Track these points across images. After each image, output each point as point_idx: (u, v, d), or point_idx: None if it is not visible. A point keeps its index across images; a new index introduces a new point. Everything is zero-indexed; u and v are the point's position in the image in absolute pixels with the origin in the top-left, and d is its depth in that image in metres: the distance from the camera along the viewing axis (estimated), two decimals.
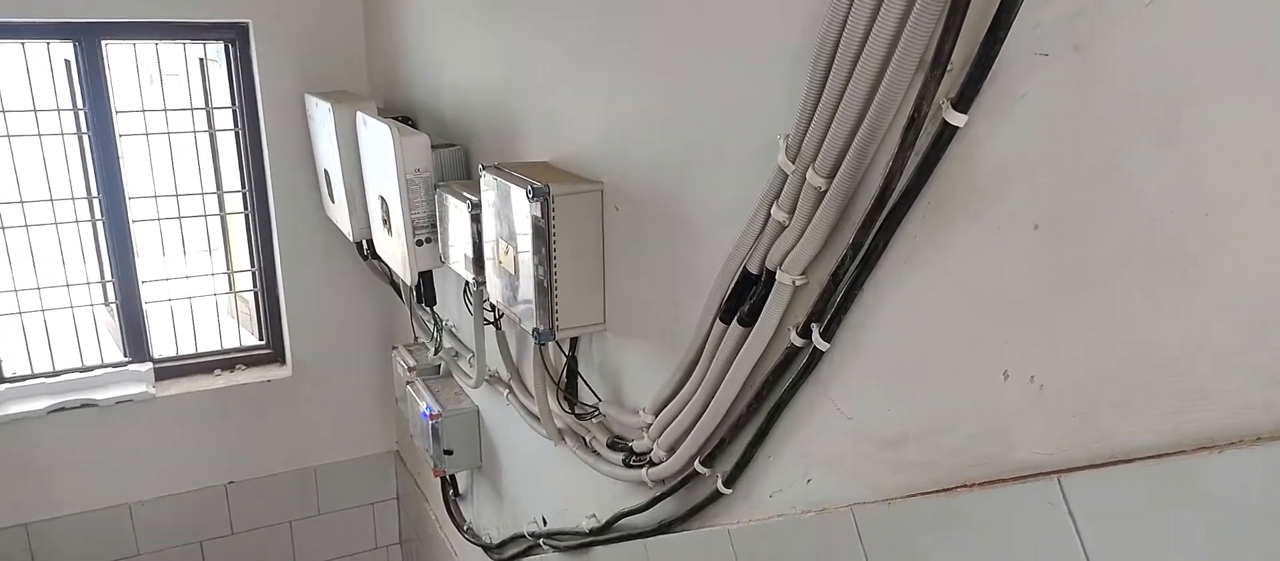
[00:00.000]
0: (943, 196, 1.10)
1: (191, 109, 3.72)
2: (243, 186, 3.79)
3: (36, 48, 3.46)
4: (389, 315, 3.97)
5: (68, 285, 3.65)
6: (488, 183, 2.08)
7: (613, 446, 1.99)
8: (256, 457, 4.00)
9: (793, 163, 1.29)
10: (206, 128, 3.82)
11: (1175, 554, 0.88)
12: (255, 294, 3.95)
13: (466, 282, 2.61)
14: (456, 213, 2.36)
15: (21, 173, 3.47)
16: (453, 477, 3.34)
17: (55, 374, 3.67)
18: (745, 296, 1.46)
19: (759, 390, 1.46)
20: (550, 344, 2.20)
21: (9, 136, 3.43)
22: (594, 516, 2.19)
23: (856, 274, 1.23)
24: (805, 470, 1.42)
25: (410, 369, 3.29)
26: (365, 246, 3.29)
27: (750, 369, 1.47)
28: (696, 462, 1.66)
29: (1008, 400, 1.06)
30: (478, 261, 2.30)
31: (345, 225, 3.18)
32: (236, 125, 3.70)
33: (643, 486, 1.88)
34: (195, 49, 3.80)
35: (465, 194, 2.31)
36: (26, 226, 3.53)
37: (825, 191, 1.24)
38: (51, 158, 3.51)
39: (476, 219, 2.25)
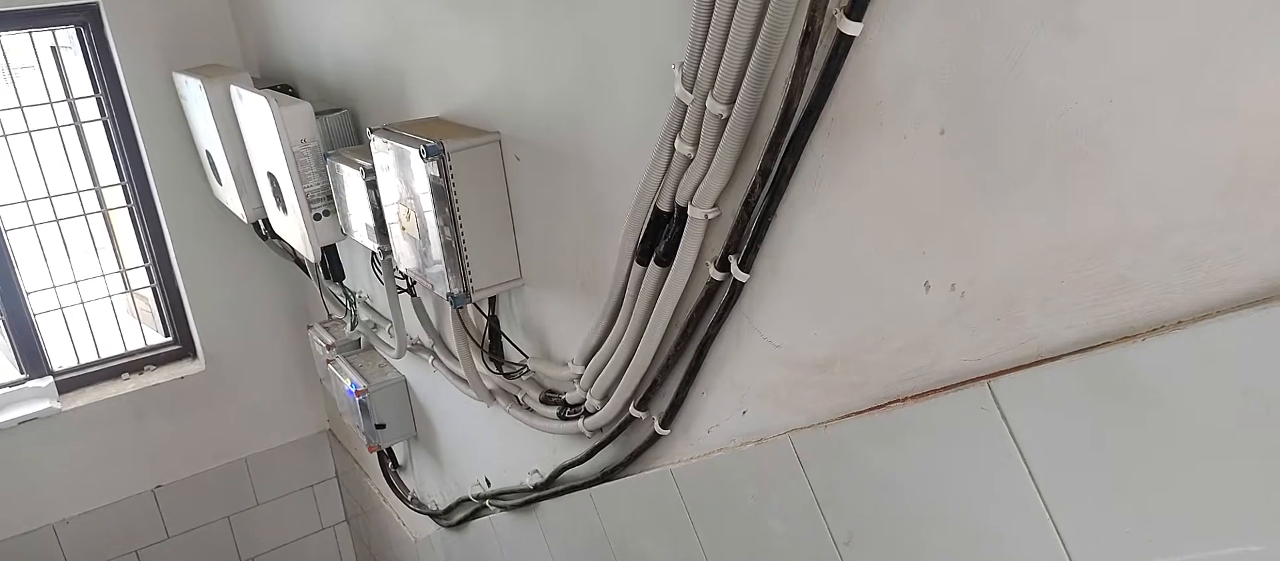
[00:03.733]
0: (846, 110, 1.06)
1: (51, 102, 3.44)
2: (121, 178, 3.55)
3: None
4: (299, 293, 3.82)
5: None
6: (379, 146, 1.96)
7: (546, 401, 1.95)
8: (182, 457, 3.84)
9: (690, 92, 1.23)
10: (72, 120, 3.55)
11: (1108, 443, 0.88)
12: (154, 290, 3.74)
13: (373, 253, 2.49)
14: (351, 181, 2.23)
15: None
16: (389, 450, 3.27)
17: None
18: (660, 235, 1.41)
19: (685, 328, 1.43)
20: (468, 306, 2.12)
21: None
22: (537, 472, 2.16)
23: (768, 200, 1.19)
24: (740, 402, 1.40)
25: (329, 346, 3.17)
26: (262, 226, 3.13)
27: (673, 308, 1.43)
28: (631, 407, 1.63)
29: (930, 311, 1.04)
30: (380, 229, 2.19)
31: (237, 207, 3.01)
32: (103, 114, 3.44)
33: (581, 437, 1.85)
34: (45, 37, 3.50)
35: (358, 160, 2.19)
36: None
37: (727, 119, 1.19)
38: None
39: (372, 185, 2.14)
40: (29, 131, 3.36)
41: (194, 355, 3.84)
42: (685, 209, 1.33)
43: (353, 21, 2.38)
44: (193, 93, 2.95)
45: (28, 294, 3.50)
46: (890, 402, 1.12)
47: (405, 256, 2.06)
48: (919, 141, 0.99)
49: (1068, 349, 0.91)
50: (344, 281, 2.74)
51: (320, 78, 2.71)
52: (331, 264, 2.66)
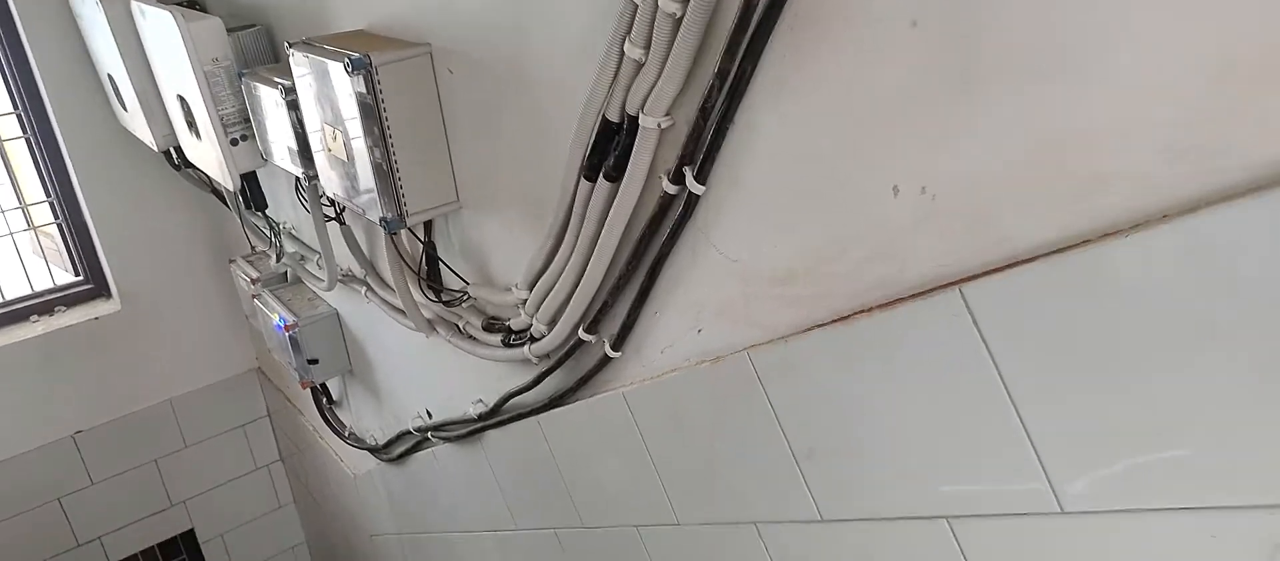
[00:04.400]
0: (811, 3, 1.00)
1: None
2: (15, 106, 3.28)
3: None
4: (220, 226, 3.63)
5: None
6: (299, 62, 1.82)
7: (489, 328, 1.88)
8: (102, 401, 3.66)
9: None
10: None
11: (1085, 345, 0.86)
12: (59, 226, 3.50)
13: (297, 179, 2.35)
14: (270, 102, 2.08)
15: None
16: (324, 386, 3.16)
17: None
18: (609, 148, 1.34)
19: (636, 246, 1.37)
20: (403, 231, 2.02)
21: None
22: (481, 401, 2.10)
23: (726, 106, 1.12)
24: (694, 321, 1.35)
25: (254, 281, 3.02)
26: (174, 155, 2.93)
27: (624, 225, 1.37)
28: (580, 331, 1.57)
29: (899, 216, 1.00)
30: (304, 153, 2.05)
31: (145, 135, 2.80)
32: None
33: (527, 364, 1.79)
34: None
35: (276, 79, 2.04)
36: None
37: (681, 17, 1.11)
38: None
39: (294, 105, 1.99)
40: None
41: (108, 294, 3.63)
42: (636, 118, 1.26)
43: None
44: (89, 11, 2.71)
45: None
46: (854, 313, 1.09)
47: (332, 181, 1.94)
48: (888, 35, 0.93)
49: (1045, 249, 0.88)
50: (267, 211, 2.59)
51: None
52: (252, 192, 2.51)
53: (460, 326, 1.97)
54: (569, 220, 1.49)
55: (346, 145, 1.78)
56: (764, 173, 1.13)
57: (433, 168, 1.79)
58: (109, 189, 3.39)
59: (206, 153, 2.44)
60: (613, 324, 1.51)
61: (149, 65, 2.57)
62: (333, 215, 2.33)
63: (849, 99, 1.00)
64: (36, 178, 3.43)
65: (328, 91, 1.76)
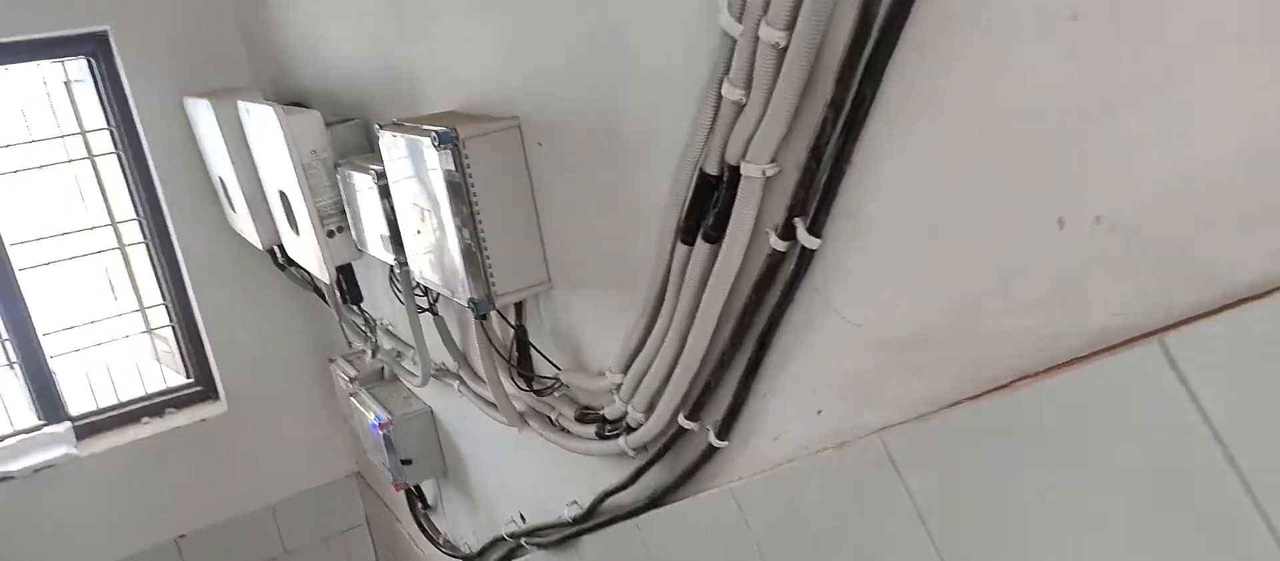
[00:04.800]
0: (941, 11, 0.84)
1: (62, 136, 3.33)
2: (136, 213, 3.42)
3: None
4: (320, 326, 3.64)
5: None
6: (389, 143, 1.78)
7: (582, 419, 1.72)
8: (206, 504, 3.66)
9: (739, 21, 1.02)
10: (85, 154, 3.43)
11: None
12: (173, 328, 3.59)
13: (391, 268, 2.30)
14: (363, 188, 2.05)
15: None
16: (418, 489, 3.06)
17: None
18: (707, 206, 1.20)
19: (741, 315, 1.20)
20: (492, 315, 1.92)
21: None
22: (575, 502, 1.93)
23: (842, 141, 0.97)
24: (812, 400, 1.17)
25: (351, 379, 2.98)
26: (278, 254, 2.96)
27: (727, 291, 1.21)
28: (681, 417, 1.40)
29: (1065, 254, 0.81)
30: (396, 239, 2.00)
31: (251, 234, 2.85)
32: (116, 147, 3.32)
33: (623, 458, 1.62)
34: (55, 70, 3.40)
35: (370, 166, 2.01)
36: None
37: (785, 47, 0.98)
38: None
39: (385, 190, 1.95)
40: (41, 167, 3.24)
41: (215, 396, 3.67)
42: (737, 168, 1.12)
43: (358, 29, 2.22)
44: (202, 115, 2.81)
45: (43, 336, 3.36)
46: (1014, 381, 0.89)
47: (423, 266, 1.87)
48: (1042, 35, 0.77)
49: (1265, 286, 0.68)
50: (362, 305, 2.55)
51: (331, 92, 2.55)
52: (348, 286, 2.47)
53: (553, 418, 1.83)
54: (665, 291, 1.34)
55: (436, 226, 1.70)
56: (889, 217, 0.97)
57: (522, 245, 1.69)
58: (219, 291, 3.46)
59: (305, 247, 2.43)
60: (717, 408, 1.34)
61: (254, 163, 2.62)
62: (426, 306, 2.26)
63: (992, 118, 0.83)
64: (154, 281, 3.53)
65: (418, 170, 1.69)
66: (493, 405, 2.12)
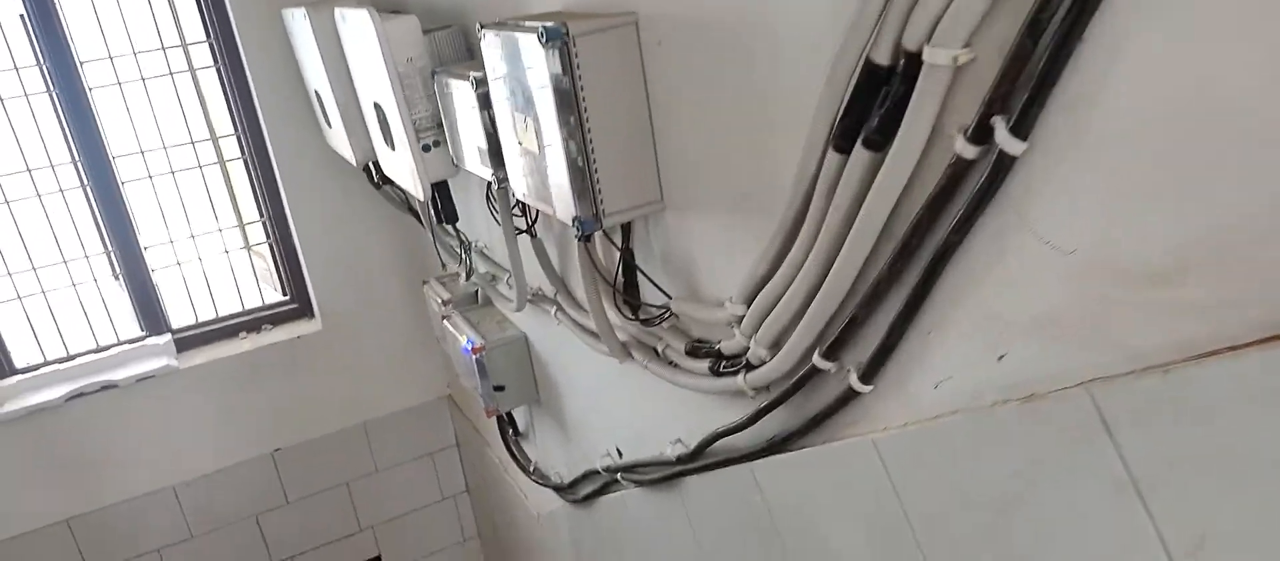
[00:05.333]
0: None
1: (163, 48, 3.29)
2: (235, 128, 3.38)
3: None
4: (415, 247, 3.58)
5: (65, 261, 3.31)
6: (491, 43, 1.61)
7: (694, 353, 1.56)
8: (300, 420, 3.68)
9: None
10: (186, 67, 3.40)
11: None
12: (270, 245, 3.57)
13: (488, 184, 2.17)
14: (461, 97, 1.90)
15: None
16: (510, 416, 2.97)
17: (69, 358, 3.37)
18: (871, 105, 0.99)
19: (907, 238, 1.01)
20: (596, 237, 1.76)
21: None
22: (680, 442, 1.78)
23: (1075, 11, 0.75)
24: (994, 342, 0.97)
25: (444, 302, 2.89)
26: (373, 172, 2.87)
27: (890, 208, 1.01)
28: (816, 356, 1.22)
29: None
30: (494, 153, 1.85)
31: (346, 150, 2.75)
32: (216, 60, 3.27)
33: (740, 397, 1.45)
34: None
35: (469, 72, 1.85)
36: (7, 203, 3.18)
37: None
38: (21, 125, 3.13)
39: (485, 98, 1.80)
40: (142, 79, 3.22)
41: (311, 314, 3.66)
42: (917, 55, 0.91)
43: None
44: (299, 26, 2.70)
45: (145, 248, 3.38)
46: None
47: (523, 182, 1.71)
48: None
49: None
50: (457, 225, 2.43)
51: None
52: (443, 204, 2.35)
53: (659, 350, 1.67)
54: (807, 210, 1.15)
55: (538, 135, 1.54)
56: (1138, 110, 0.75)
57: (634, 160, 1.51)
58: (315, 209, 3.41)
59: (400, 163, 2.31)
60: (862, 347, 1.15)
61: (350, 75, 2.50)
62: (524, 227, 2.12)
63: None
64: (252, 197, 3.51)
65: (520, 73, 1.53)
66: (593, 334, 1.98)
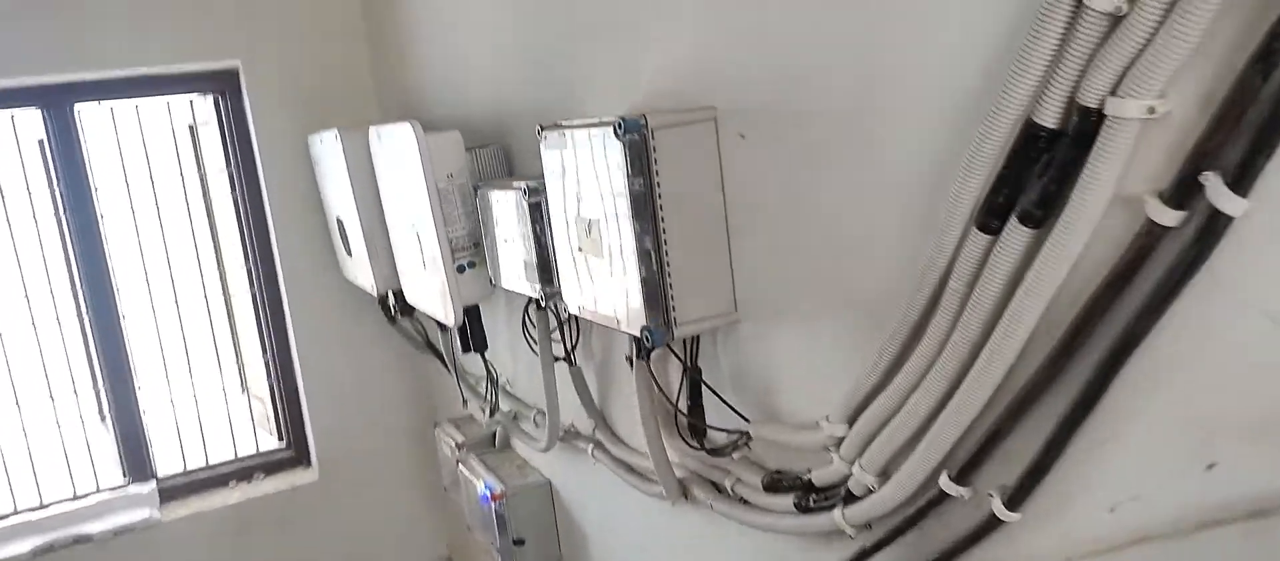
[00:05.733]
0: None
1: (181, 175, 3.23)
2: (247, 260, 3.27)
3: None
4: (426, 389, 3.39)
5: (52, 397, 3.10)
6: (553, 144, 1.52)
7: (774, 486, 1.37)
8: None
9: None
10: (201, 195, 3.33)
11: None
12: (271, 385, 3.38)
13: (526, 307, 2.03)
14: (507, 208, 1.80)
15: None
16: None
17: (42, 507, 3.09)
18: (1025, 177, 0.87)
19: (1076, 327, 0.86)
20: (650, 360, 1.60)
21: None
22: None
23: None
24: (1198, 448, 0.80)
25: (459, 446, 2.69)
26: (392, 304, 2.73)
27: (1053, 292, 0.87)
28: (943, 479, 1.04)
29: None
30: (543, 267, 1.73)
31: (367, 279, 2.63)
32: (234, 188, 3.20)
33: (836, 537, 1.26)
34: (181, 115, 3.34)
35: (515, 183, 1.76)
36: None
37: None
38: (24, 249, 3.01)
39: (536, 209, 1.69)
40: (158, 211, 3.13)
41: (308, 462, 3.41)
42: (1095, 111, 0.79)
43: (506, 38, 2.01)
44: (328, 149, 2.64)
45: (139, 388, 3.18)
46: None
47: (579, 292, 1.57)
48: None
49: None
50: (485, 355, 2.27)
51: (468, 121, 2.34)
52: (473, 331, 2.20)
53: (727, 487, 1.48)
54: (935, 306, 1.01)
55: (603, 239, 1.42)
56: None
57: (709, 265, 1.38)
58: (323, 347, 3.24)
59: (429, 287, 2.18)
60: (1006, 467, 0.98)
61: (379, 198, 2.41)
62: (563, 355, 1.97)
63: None
64: (256, 335, 3.35)
65: (587, 173, 1.42)
66: (639, 474, 1.79)
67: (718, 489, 1.52)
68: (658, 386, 1.54)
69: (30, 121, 3.04)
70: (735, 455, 1.45)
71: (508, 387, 2.47)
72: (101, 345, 3.11)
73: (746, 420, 1.38)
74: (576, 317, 1.94)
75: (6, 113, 2.95)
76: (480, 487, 2.40)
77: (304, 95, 3.03)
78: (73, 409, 3.16)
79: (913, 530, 1.12)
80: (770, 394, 1.39)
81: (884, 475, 1.14)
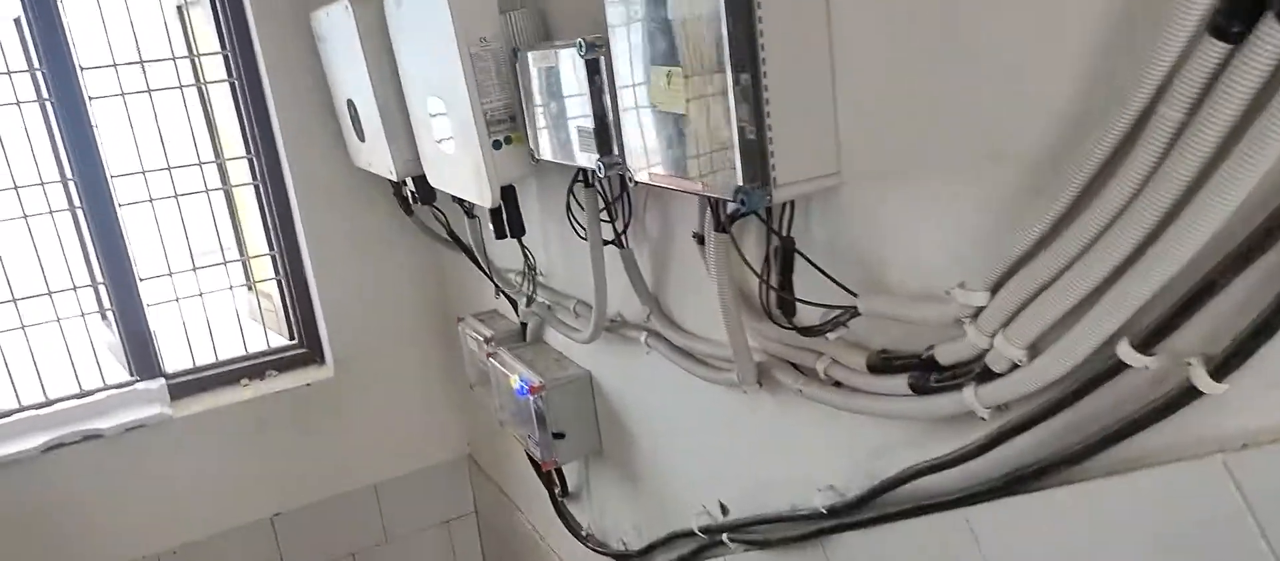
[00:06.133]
0: None
1: (173, 58, 2.98)
2: (247, 150, 3.06)
3: None
4: (446, 283, 3.24)
5: (50, 293, 2.93)
6: None
7: (883, 367, 1.23)
8: (304, 480, 3.27)
9: None
10: (194, 81, 3.09)
11: None
12: (279, 281, 3.21)
13: (569, 193, 1.86)
14: (555, 69, 1.60)
15: None
16: (558, 472, 2.59)
17: (48, 403, 2.96)
18: None
19: None
20: (729, 231, 1.43)
21: None
22: (831, 488, 1.43)
23: None
24: None
25: (488, 339, 2.54)
26: (412, 192, 2.55)
27: None
28: (1122, 346, 0.89)
29: None
30: (601, 134, 1.54)
31: (384, 163, 2.44)
32: (230, 74, 2.97)
33: (957, 421, 1.12)
34: None
35: (568, 42, 1.56)
36: None
37: None
38: (11, 137, 2.79)
39: (595, 66, 1.50)
40: (149, 91, 2.90)
41: (321, 360, 3.29)
42: None
43: None
44: (336, 22, 2.41)
45: (141, 280, 3.01)
46: None
47: (648, 154, 1.39)
48: None
49: None
50: (523, 239, 2.10)
51: None
52: (510, 214, 2.03)
53: (821, 370, 1.33)
54: (1132, 141, 0.84)
55: (691, 87, 1.23)
56: None
57: (811, 117, 1.21)
58: (333, 240, 3.07)
59: (459, 168, 1.99)
60: (1213, 331, 0.83)
61: (397, 73, 2.20)
62: (615, 234, 1.80)
63: None
64: (261, 227, 3.16)
65: (671, 13, 1.23)
66: (700, 361, 1.65)
67: (804, 373, 1.38)
68: (744, 260, 1.38)
69: None
70: (831, 335, 1.30)
71: (542, 278, 2.31)
72: (99, 240, 2.93)
73: (853, 293, 1.23)
74: (628, 195, 1.77)
75: None
76: (516, 381, 2.26)
77: None
78: (73, 305, 2.99)
79: (1065, 411, 0.98)
80: (876, 266, 1.23)
81: (1032, 348, 0.99)
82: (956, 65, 1.02)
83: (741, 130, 1.15)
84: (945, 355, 1.11)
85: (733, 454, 1.72)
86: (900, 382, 1.19)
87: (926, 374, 1.15)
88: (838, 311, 1.26)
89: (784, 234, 1.31)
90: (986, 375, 1.06)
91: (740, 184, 1.17)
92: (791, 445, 1.52)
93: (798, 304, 1.34)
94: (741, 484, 1.72)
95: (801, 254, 1.30)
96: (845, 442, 1.38)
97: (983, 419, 1.08)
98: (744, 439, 1.66)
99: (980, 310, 1.04)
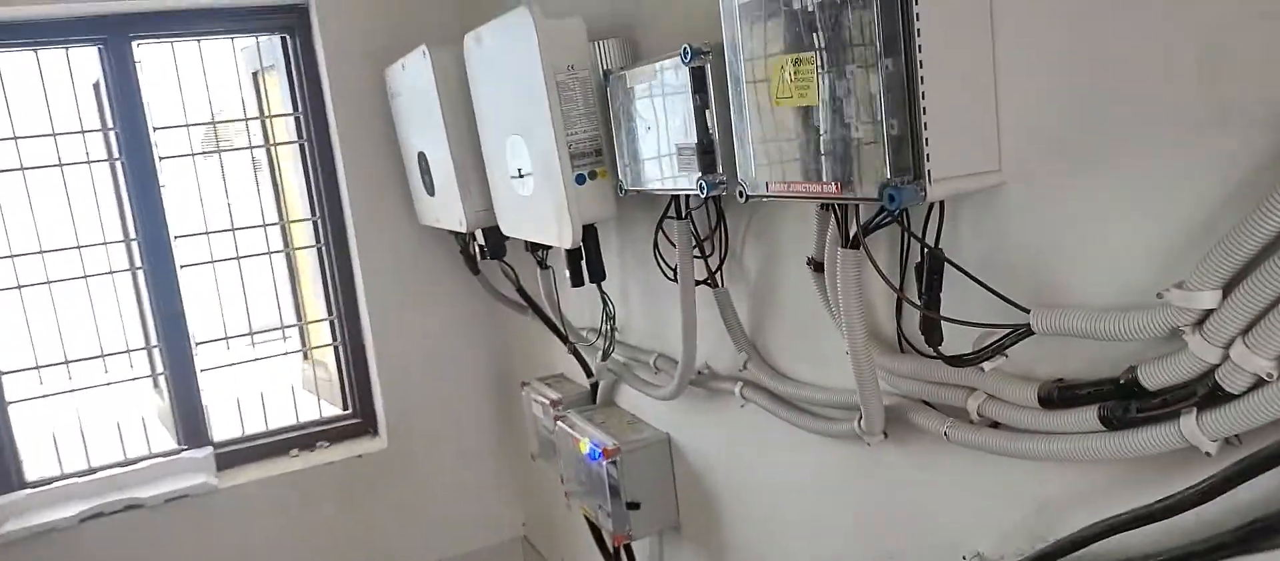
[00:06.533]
0: None
1: (245, 119, 2.95)
2: (312, 212, 2.98)
3: (55, 63, 2.72)
4: (507, 346, 3.08)
5: (103, 355, 2.83)
6: None
7: (1058, 399, 1.02)
8: (348, 556, 3.06)
9: None
10: (263, 142, 3.05)
11: None
12: (336, 347, 3.09)
13: (659, 228, 1.71)
14: (656, 85, 1.48)
15: (39, 216, 2.71)
16: (627, 549, 2.36)
17: (90, 471, 2.82)
18: None
19: None
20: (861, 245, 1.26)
21: (23, 170, 2.68)
22: (980, 556, 1.21)
23: None
24: None
25: (555, 403, 2.37)
26: (480, 246, 2.43)
27: None
28: None
29: None
30: (705, 150, 1.40)
31: (454, 216, 2.33)
32: (301, 135, 2.92)
33: (1167, 463, 0.91)
34: (246, 59, 3.07)
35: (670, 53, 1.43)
36: (49, 283, 2.75)
37: None
38: (77, 197, 2.75)
39: (699, 74, 1.36)
40: (218, 151, 2.86)
41: (375, 431, 3.12)
42: None
43: None
44: (412, 72, 2.35)
45: (197, 345, 2.91)
46: None
47: (769, 166, 1.24)
48: None
49: None
50: (603, 285, 1.94)
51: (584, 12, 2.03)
52: (590, 258, 1.88)
53: (974, 409, 1.13)
54: None
55: (830, 79, 1.08)
56: None
57: (971, 106, 1.05)
58: (395, 303, 2.95)
59: (537, 208, 1.86)
60: None
61: (473, 118, 2.10)
62: (708, 274, 1.64)
63: None
64: (321, 292, 3.06)
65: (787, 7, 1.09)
66: (808, 411, 1.46)
67: (939, 414, 1.18)
68: (881, 273, 1.19)
69: (87, 62, 2.78)
70: (986, 365, 1.10)
71: (618, 332, 2.14)
72: (157, 301, 2.84)
73: (1023, 309, 1.04)
74: (725, 226, 1.61)
75: (62, 51, 2.69)
76: (586, 445, 2.07)
77: (378, 32, 2.75)
78: (124, 369, 2.89)
79: None
80: (1050, 276, 1.04)
81: None
82: (1155, 8, 0.86)
83: (891, 111, 0.99)
84: (1152, 377, 0.91)
85: (848, 522, 1.50)
86: (1087, 416, 0.98)
87: (1124, 404, 0.95)
88: (1002, 333, 1.06)
89: (931, 247, 1.13)
90: (1212, 398, 0.86)
91: (888, 178, 1.01)
92: (926, 506, 1.30)
93: (944, 329, 1.15)
94: (858, 559, 1.49)
95: (954, 264, 1.12)
96: (1001, 498, 1.16)
97: (1208, 454, 0.87)
98: (865, 502, 1.44)
99: (1208, 314, 0.84)
